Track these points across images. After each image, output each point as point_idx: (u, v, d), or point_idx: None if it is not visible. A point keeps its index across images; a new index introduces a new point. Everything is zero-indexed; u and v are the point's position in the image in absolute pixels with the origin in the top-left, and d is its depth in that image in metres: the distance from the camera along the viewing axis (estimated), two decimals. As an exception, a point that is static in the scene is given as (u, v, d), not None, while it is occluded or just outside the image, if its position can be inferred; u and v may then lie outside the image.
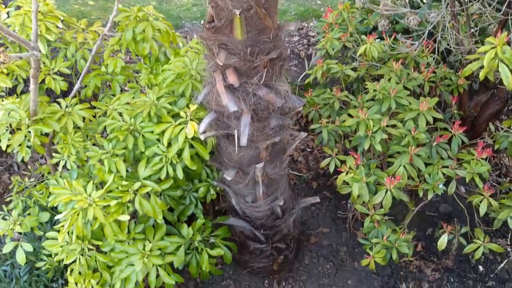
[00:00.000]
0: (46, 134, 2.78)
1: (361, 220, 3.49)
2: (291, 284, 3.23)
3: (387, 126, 2.67)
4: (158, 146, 2.50)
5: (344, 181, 2.69)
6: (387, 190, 2.55)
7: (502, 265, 3.34)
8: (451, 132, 2.71)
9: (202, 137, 2.37)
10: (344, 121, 2.81)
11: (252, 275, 3.25)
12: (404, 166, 2.59)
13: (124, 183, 2.42)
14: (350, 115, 2.82)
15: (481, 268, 3.32)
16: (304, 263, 3.35)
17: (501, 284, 3.25)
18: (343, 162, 2.79)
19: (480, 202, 2.63)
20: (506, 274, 3.30)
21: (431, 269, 3.27)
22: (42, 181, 3.05)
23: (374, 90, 2.84)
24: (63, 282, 2.99)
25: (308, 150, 4.19)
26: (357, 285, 3.22)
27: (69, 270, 2.69)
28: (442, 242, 2.79)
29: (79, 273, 2.65)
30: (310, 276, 3.27)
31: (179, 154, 2.49)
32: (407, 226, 2.97)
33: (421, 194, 2.68)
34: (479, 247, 2.68)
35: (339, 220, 3.62)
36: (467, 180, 2.57)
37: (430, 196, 2.64)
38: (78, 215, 2.31)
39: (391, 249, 2.70)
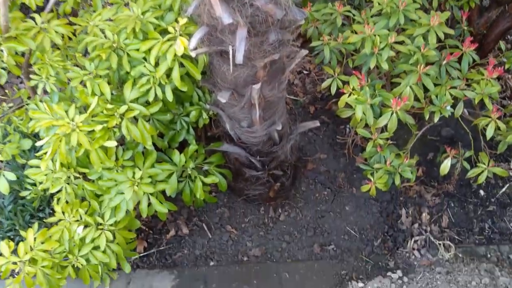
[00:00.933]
0: (22, 54, 2.63)
1: (361, 145, 3.48)
2: (288, 211, 3.26)
3: (395, 42, 2.55)
4: (144, 66, 2.35)
5: (346, 103, 2.63)
6: (392, 112, 2.49)
7: (503, 189, 3.39)
8: (461, 50, 2.61)
9: (193, 54, 2.22)
10: (347, 37, 2.68)
11: (247, 203, 3.27)
12: (411, 87, 2.52)
13: (109, 106, 2.31)
14: (354, 32, 2.68)
15: (482, 192, 3.37)
16: (301, 189, 3.36)
17: (502, 208, 3.32)
18: (345, 83, 2.70)
19: (487, 125, 2.59)
20: (507, 199, 3.36)
21: (431, 194, 3.31)
22: (22, 106, 2.92)
23: (380, 4, 2.69)
24: (50, 211, 2.98)
25: (305, 72, 4.06)
26: (355, 211, 3.27)
27: (55, 199, 2.67)
28: (445, 166, 2.78)
29: (66, 202, 2.64)
30: (307, 202, 3.29)
31: (168, 74, 2.35)
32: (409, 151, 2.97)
33: (427, 116, 2.62)
34: (483, 171, 2.68)
35: (337, 146, 3.59)
36: (476, 102, 2.51)
37: (436, 118, 2.58)
38: (60, 141, 2.23)
39: (393, 174, 2.69)
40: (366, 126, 2.77)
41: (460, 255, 2.99)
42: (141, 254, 3.03)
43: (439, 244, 3.01)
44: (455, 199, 3.32)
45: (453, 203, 3.30)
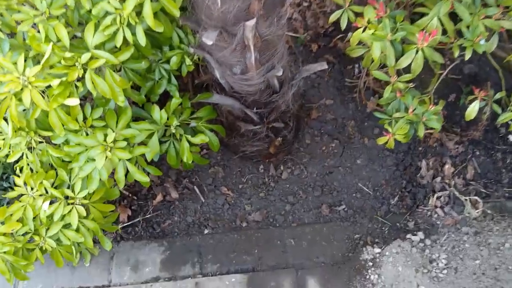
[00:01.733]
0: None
1: (373, 89, 3.14)
2: (291, 168, 2.96)
3: (419, -39, 2.15)
4: (108, 2, 1.96)
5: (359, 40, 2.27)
6: (417, 50, 2.13)
7: (537, 133, 3.11)
8: (499, -31, 2.22)
9: (168, -15, 1.83)
10: (359, -44, 2.27)
11: (244, 160, 2.95)
12: (439, 18, 2.15)
13: (68, 55, 1.91)
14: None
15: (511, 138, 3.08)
16: (305, 143, 3.04)
17: (535, 155, 3.06)
18: (358, 15, 2.31)
19: (524, 60, 2.25)
20: (540, 144, 3.08)
21: (453, 142, 3.01)
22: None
23: None
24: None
25: (305, 4, 3.60)
26: (368, 164, 2.97)
27: (17, 168, 2.34)
28: (472, 110, 2.44)
29: (31, 170, 2.32)
30: (312, 157, 2.98)
31: (138, 11, 1.96)
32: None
33: (456, 53, 2.27)
34: (517, 115, 2.39)
35: (345, 89, 3.24)
36: (515, 33, 2.16)
37: (468, 55, 2.22)
38: (11, 100, 1.88)
39: (416, 124, 2.39)
40: (381, 66, 2.46)
41: (489, 212, 2.71)
42: (125, 224, 2.74)
43: (465, 199, 2.73)
44: (480, 147, 3.01)
45: (478, 151, 2.99)
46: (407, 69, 2.26)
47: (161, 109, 2.28)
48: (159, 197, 2.84)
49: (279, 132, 2.75)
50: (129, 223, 2.76)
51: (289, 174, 2.92)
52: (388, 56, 2.15)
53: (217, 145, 2.46)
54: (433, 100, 2.46)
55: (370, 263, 2.59)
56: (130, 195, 2.84)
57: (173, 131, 2.26)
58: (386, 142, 2.45)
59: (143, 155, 2.27)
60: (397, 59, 2.24)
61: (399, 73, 2.37)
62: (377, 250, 2.60)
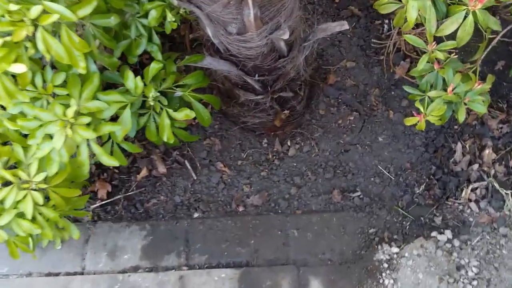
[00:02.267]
0: None
1: (404, 52, 2.70)
2: (299, 144, 2.59)
3: None
4: None
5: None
6: (467, 13, 1.70)
7: None
8: None
9: None
10: None
11: (245, 132, 2.59)
12: (498, -31, 1.70)
13: (14, 7, 1.56)
14: None
15: None
16: (318, 114, 2.64)
17: None
18: (392, -40, 1.87)
19: None
20: None
21: (497, 120, 2.58)
22: None
23: None
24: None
25: None
26: (391, 143, 2.57)
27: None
28: (525, 84, 2.06)
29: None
30: (326, 132, 2.58)
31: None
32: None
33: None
34: None
35: (370, 50, 2.79)
36: None
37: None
38: None
39: (456, 105, 1.99)
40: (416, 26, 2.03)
41: (535, 210, 2.39)
42: (104, 202, 2.44)
43: (506, 193, 2.37)
44: (530, 128, 2.62)
45: (528, 133, 2.61)
46: (451, 34, 1.85)
47: (136, 75, 1.93)
48: (144, 172, 2.51)
49: (286, 103, 2.37)
50: (108, 200, 2.44)
51: (297, 150, 2.55)
52: (428, 20, 1.72)
53: (208, 120, 2.09)
54: (491, 77, 2.04)
55: (386, 265, 2.26)
56: (111, 167, 2.56)
57: (152, 103, 1.91)
58: (416, 124, 2.09)
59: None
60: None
61: (439, 38, 1.96)
62: (395, 249, 2.27)
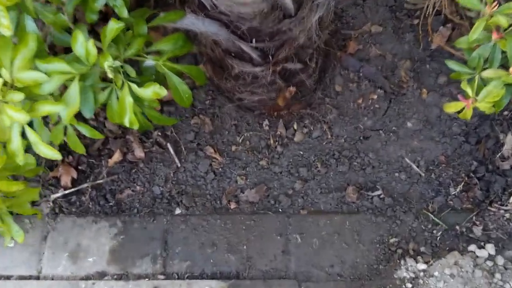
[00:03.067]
0: None
1: (446, 15, 2.22)
2: (308, 128, 2.14)
3: None
4: None
5: None
6: None
7: None
8: None
9: None
10: None
11: (242, 111, 2.15)
12: None
13: None
14: None
15: None
16: (333, 90, 2.17)
17: None
18: None
19: None
20: None
21: (558, 105, 2.16)
22: None
23: None
24: None
25: None
26: (423, 129, 2.10)
27: None
28: None
29: None
30: (342, 114, 2.12)
31: None
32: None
33: None
34: None
35: (402, 12, 2.30)
36: None
37: None
38: None
39: None
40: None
41: None
42: (67, 191, 2.04)
43: None
44: None
45: None
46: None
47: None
48: (117, 156, 2.12)
49: (292, 77, 1.94)
50: (73, 189, 2.05)
51: (305, 136, 2.12)
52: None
53: (188, 99, 1.67)
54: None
55: (409, 285, 1.86)
56: None
57: (110, 75, 1.52)
58: (460, 111, 1.66)
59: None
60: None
61: None
62: (422, 266, 1.85)
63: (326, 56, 2.14)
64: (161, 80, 1.62)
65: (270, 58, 1.77)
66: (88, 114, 1.54)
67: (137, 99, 1.53)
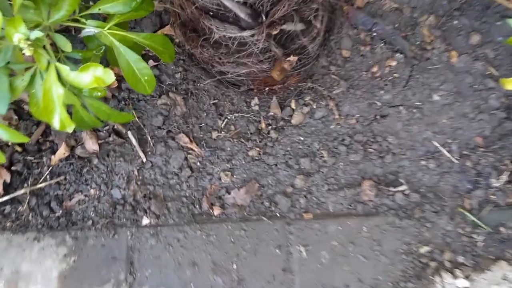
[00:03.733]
0: None
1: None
2: (310, 106, 1.66)
3: None
4: None
5: None
6: None
7: None
8: None
9: None
10: None
11: (224, 87, 1.67)
12: None
13: None
14: None
15: None
16: (340, 57, 1.70)
17: None
18: None
19: None
20: None
21: None
22: None
23: None
24: None
25: None
26: (453, 104, 1.65)
27: None
28: None
29: None
30: (352, 86, 1.67)
31: None
32: None
33: None
34: None
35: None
36: None
37: None
38: None
39: None
40: None
41: None
42: (-1, 199, 1.71)
43: None
44: None
45: None
46: None
47: None
48: (63, 150, 1.65)
49: (291, 42, 1.50)
50: (6, 197, 1.58)
51: (306, 116, 1.67)
52: None
53: (151, 83, 1.19)
54: None
55: (448, 310, 1.57)
56: (10, 143, 1.74)
57: (28, 52, 1.06)
58: None
59: None
60: None
61: None
62: (462, 282, 1.45)
63: (331, 13, 1.70)
64: (112, 56, 1.18)
65: (263, 18, 1.34)
66: (1, 109, 1.10)
67: (75, 87, 1.10)
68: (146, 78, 1.16)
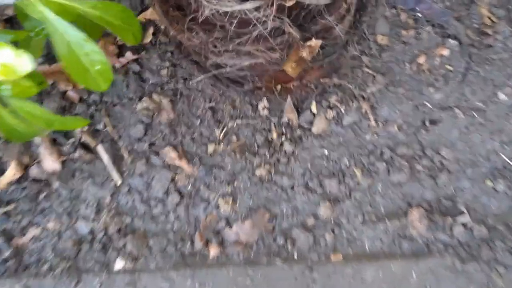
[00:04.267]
0: None
1: None
2: (336, 109, 1.27)
3: None
4: None
5: None
6: None
7: None
8: None
9: None
10: None
11: (222, 85, 1.30)
12: None
13: None
14: None
15: None
16: (374, 44, 1.31)
17: None
18: None
19: None
20: None
21: None
22: None
23: None
24: None
25: None
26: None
27: None
28: None
29: None
30: (392, 83, 1.29)
31: None
32: None
33: None
34: None
35: None
36: None
37: None
38: None
39: None
40: None
41: None
42: None
43: None
44: None
45: None
46: None
47: None
48: (13, 171, 1.26)
49: (311, 22, 1.16)
50: None
51: (332, 122, 1.28)
52: None
53: (105, 76, 0.88)
54: None
55: None
56: None
57: None
58: None
59: None
60: None
61: None
62: None
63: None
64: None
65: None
66: None
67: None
68: (97, 67, 0.80)
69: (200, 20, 1.02)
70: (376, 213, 1.23)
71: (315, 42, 1.03)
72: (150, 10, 1.38)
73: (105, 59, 0.77)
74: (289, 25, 0.98)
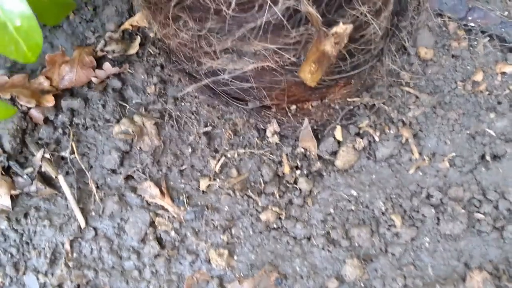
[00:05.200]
0: None
1: None
2: (368, 137, 0.99)
3: None
4: None
5: None
6: None
7: None
8: None
9: None
10: None
11: (221, 102, 1.06)
12: None
13: None
14: None
15: None
16: (416, 57, 1.04)
17: None
18: None
19: None
20: None
21: None
22: None
23: None
24: None
25: None
26: None
27: None
28: None
29: None
30: (439, 105, 1.01)
31: None
32: None
33: None
34: None
35: None
36: None
37: None
38: None
39: None
40: None
41: None
42: None
43: None
44: None
45: None
46: None
47: None
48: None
49: (339, 9, 0.92)
50: None
51: (362, 154, 1.00)
52: None
53: (36, 43, 0.65)
54: None
55: None
56: None
57: None
58: None
59: None
60: None
61: None
62: None
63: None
64: None
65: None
66: None
67: None
68: (17, 23, 0.57)
69: (189, 3, 0.80)
70: (423, 275, 0.94)
71: (343, 28, 0.78)
72: (138, 15, 1.18)
73: (30, 12, 0.54)
74: (308, 4, 0.75)
